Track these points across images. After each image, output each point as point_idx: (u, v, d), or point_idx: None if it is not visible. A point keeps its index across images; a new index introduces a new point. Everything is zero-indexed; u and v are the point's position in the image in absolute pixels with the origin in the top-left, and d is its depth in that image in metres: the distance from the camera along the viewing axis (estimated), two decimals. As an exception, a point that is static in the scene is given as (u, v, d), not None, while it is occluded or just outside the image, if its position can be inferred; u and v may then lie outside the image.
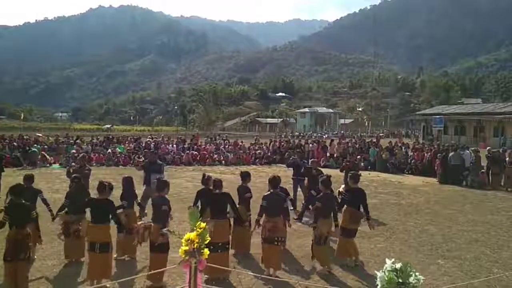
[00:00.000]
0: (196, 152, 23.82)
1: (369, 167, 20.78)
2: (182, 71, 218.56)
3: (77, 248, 6.75)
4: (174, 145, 24.97)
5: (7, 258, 5.35)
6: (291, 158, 11.60)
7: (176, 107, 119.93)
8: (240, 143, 26.70)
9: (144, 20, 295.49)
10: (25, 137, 24.94)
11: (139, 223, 6.24)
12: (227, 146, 25.89)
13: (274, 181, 6.61)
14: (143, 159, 11.42)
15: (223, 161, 23.15)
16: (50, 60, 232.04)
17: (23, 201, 5.73)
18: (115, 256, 6.58)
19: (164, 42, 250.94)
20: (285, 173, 13.13)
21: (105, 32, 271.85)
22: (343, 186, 8.53)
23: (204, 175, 7.60)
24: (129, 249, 6.85)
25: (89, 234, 6.02)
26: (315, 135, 60.94)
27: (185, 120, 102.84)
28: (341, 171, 12.27)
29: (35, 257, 6.76)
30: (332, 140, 26.11)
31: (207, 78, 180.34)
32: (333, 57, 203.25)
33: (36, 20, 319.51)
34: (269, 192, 6.56)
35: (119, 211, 6.75)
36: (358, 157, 19.61)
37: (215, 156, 23.61)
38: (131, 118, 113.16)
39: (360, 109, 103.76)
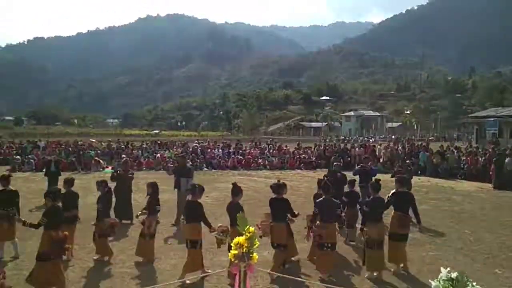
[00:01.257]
0: (241, 157, 24.08)
1: (419, 172, 20.10)
2: (227, 77, 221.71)
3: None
4: (220, 150, 25.39)
5: (43, 258, 5.64)
6: (335, 164, 11.28)
7: (221, 113, 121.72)
8: (285, 148, 26.68)
9: (190, 27, 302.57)
10: (79, 142, 26.23)
11: (218, 225, 6.43)
12: (271, 151, 25.96)
13: (327, 187, 6.59)
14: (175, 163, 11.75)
15: (268, 166, 23.23)
16: (102, 68, 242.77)
17: (59, 204, 6.11)
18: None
19: (209, 48, 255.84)
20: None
21: (153, 41, 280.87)
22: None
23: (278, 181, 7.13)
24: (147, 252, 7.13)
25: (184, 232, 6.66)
26: (361, 139, 59.74)
27: (229, 125, 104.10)
28: (392, 177, 11.96)
29: (72, 257, 7.12)
30: (379, 144, 25.54)
31: (251, 83, 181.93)
32: (378, 59, 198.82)
33: (88, 30, 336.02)
34: (322, 198, 6.53)
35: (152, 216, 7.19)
36: (408, 161, 19.02)
37: (260, 160, 23.74)
38: (178, 123, 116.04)
39: (408, 112, 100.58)
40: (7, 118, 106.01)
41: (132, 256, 7.25)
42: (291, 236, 6.89)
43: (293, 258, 7.01)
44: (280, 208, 6.57)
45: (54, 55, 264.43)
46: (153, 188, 7.52)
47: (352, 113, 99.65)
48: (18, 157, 22.24)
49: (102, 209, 7.37)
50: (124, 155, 22.45)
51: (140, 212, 7.47)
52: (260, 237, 6.49)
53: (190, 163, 22.49)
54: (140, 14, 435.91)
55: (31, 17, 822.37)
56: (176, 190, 10.41)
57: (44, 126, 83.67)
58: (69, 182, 7.65)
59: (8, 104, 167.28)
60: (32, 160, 21.37)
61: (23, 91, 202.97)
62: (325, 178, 8.01)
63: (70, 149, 23.88)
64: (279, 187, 6.68)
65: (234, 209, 6.08)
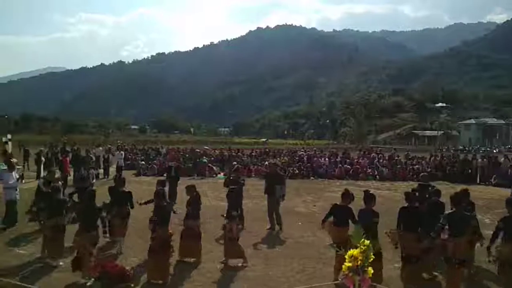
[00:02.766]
0: (348, 166, 23.52)
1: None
2: (334, 85, 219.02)
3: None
4: (327, 159, 25.11)
5: (152, 255, 6.49)
6: (421, 176, 10.32)
7: (327, 121, 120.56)
8: (396, 157, 25.41)
9: (298, 37, 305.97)
10: (196, 150, 28.09)
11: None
12: (381, 160, 24.91)
13: (457, 198, 6.19)
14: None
15: (377, 176, 22.35)
16: (216, 79, 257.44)
17: (165, 204, 7.05)
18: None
19: (316, 57, 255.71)
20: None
21: (263, 51, 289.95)
22: None
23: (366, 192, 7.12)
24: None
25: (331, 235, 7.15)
26: (483, 149, 54.38)
27: (336, 133, 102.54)
28: None
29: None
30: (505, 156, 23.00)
31: (358, 91, 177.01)
32: (503, 61, 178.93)
33: (203, 44, 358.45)
34: (452, 210, 6.17)
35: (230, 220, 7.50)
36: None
37: (369, 170, 22.94)
38: (284, 132, 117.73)
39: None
40: (133, 127, 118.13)
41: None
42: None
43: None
44: (412, 217, 6.44)
45: (174, 69, 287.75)
46: (231, 195, 8.01)
47: (472, 120, 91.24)
48: (142, 162, 24.60)
49: (191, 211, 7.84)
50: (235, 162, 23.56)
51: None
52: (396, 247, 6.48)
53: (297, 171, 22.82)
54: (251, 27, 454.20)
55: (153, 36, 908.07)
56: (266, 195, 10.67)
57: (164, 134, 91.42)
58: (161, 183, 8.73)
59: (134, 114, 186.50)
60: (154, 166, 23.46)
61: (146, 103, 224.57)
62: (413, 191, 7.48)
63: (187, 155, 25.70)
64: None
65: (366, 216, 6.33)
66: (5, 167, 11.18)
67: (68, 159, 17.99)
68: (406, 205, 6.55)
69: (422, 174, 10.92)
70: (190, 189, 8.13)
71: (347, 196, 7.13)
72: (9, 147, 17.65)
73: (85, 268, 6.49)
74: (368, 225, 5.87)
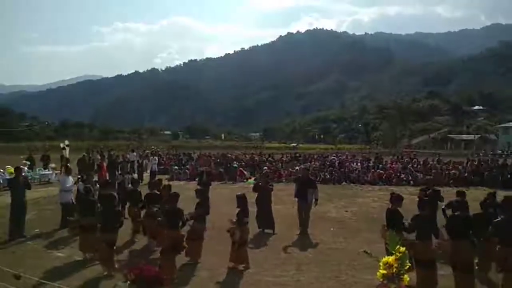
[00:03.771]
0: (381, 171, 23.09)
1: None
2: (366, 88, 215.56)
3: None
4: (359, 163, 24.77)
5: (165, 255, 6.86)
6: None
7: (359, 125, 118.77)
8: (431, 162, 24.76)
9: (329, 41, 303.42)
10: (228, 155, 28.32)
11: None
12: (415, 165, 24.32)
13: (509, 204, 6.05)
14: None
15: (411, 181, 21.80)
16: (246, 85, 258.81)
17: (177, 208, 7.36)
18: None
19: (347, 60, 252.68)
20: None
21: (293, 56, 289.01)
22: None
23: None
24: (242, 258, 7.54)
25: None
26: (523, 153, 52.16)
27: (368, 137, 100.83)
28: None
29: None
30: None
31: (392, 94, 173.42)
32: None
33: (234, 51, 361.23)
34: (502, 218, 6.02)
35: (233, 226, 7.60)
36: None
37: (403, 175, 22.42)
38: (315, 136, 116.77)
39: None
40: (166, 132, 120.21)
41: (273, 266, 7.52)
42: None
43: None
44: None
45: (206, 75, 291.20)
46: (242, 201, 7.99)
47: (511, 124, 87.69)
48: (176, 167, 25.02)
49: (198, 214, 8.17)
50: (265, 167, 23.59)
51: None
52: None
53: (329, 176, 22.61)
54: (281, 32, 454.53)
55: (185, 43, 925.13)
56: (296, 199, 10.65)
57: (196, 140, 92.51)
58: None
59: (167, 120, 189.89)
60: (187, 171, 23.81)
61: (179, 109, 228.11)
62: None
63: (218, 160, 25.95)
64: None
65: (393, 214, 6.86)
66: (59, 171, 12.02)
67: (105, 164, 18.58)
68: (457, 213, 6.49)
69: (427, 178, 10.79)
70: (197, 192, 8.71)
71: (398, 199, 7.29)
72: (67, 152, 18.61)
73: (108, 264, 7.11)
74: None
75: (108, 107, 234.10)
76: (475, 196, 8.97)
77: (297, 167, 23.86)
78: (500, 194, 8.34)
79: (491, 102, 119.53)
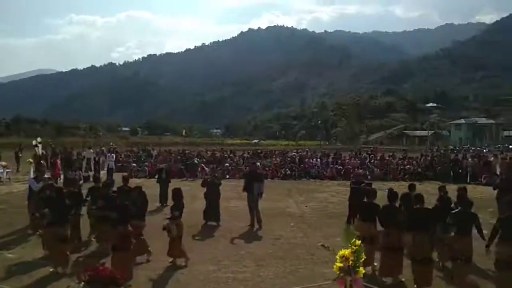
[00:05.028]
0: (340, 167, 23.58)
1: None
2: (325, 86, 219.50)
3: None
4: (318, 159, 25.15)
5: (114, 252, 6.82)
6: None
7: (319, 122, 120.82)
8: (387, 158, 25.53)
9: (289, 38, 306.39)
10: (186, 151, 27.98)
11: None
12: (372, 161, 24.99)
13: (463, 197, 6.34)
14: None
15: (369, 176, 22.40)
16: (207, 81, 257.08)
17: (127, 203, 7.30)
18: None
19: (307, 58, 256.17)
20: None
21: (254, 53, 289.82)
22: None
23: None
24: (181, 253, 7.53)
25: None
26: (473, 149, 54.85)
27: (327, 134, 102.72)
28: (494, 189, 10.72)
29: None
30: (495, 155, 23.21)
31: (350, 92, 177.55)
32: (493, 62, 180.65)
33: (195, 46, 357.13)
34: (458, 209, 6.30)
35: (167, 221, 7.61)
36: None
37: (360, 171, 22.97)
38: (277, 133, 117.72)
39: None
40: (124, 129, 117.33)
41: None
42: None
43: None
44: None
45: (165, 70, 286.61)
46: (176, 195, 7.98)
47: (462, 120, 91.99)
48: (134, 164, 24.45)
49: (137, 211, 7.91)
50: (227, 164, 23.53)
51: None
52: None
53: (289, 171, 22.87)
54: (242, 28, 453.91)
55: (144, 37, 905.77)
56: (246, 193, 10.87)
57: (155, 136, 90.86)
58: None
59: (125, 116, 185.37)
60: (146, 168, 23.33)
61: (138, 104, 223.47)
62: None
63: (178, 157, 25.59)
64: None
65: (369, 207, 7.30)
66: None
67: (58, 161, 17.88)
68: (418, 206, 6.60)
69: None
70: (135, 190, 8.56)
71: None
72: (39, 149, 17.99)
73: (59, 261, 7.02)
74: None
75: (63, 103, 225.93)
76: (428, 189, 9.31)
77: (258, 164, 23.95)
78: (452, 188, 8.71)
79: (444, 100, 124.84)
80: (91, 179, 19.49)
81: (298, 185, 20.02)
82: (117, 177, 12.75)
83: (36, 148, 18.26)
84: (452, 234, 6.32)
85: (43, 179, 10.09)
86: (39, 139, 19.01)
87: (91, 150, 23.41)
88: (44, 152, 21.61)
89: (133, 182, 11.57)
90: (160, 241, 8.78)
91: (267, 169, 23.33)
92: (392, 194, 7.16)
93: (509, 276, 5.65)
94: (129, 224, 7.06)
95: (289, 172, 22.86)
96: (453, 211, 6.42)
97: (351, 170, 22.78)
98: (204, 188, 11.35)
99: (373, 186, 9.51)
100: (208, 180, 11.63)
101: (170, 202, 13.29)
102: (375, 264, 6.95)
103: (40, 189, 9.01)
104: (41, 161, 13.06)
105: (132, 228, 7.32)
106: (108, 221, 7.64)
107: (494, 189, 10.63)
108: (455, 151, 41.03)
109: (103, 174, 20.21)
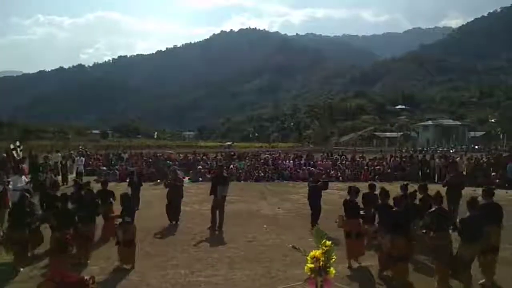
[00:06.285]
0: (312, 168, 23.80)
1: (507, 185, 18.54)
2: (297, 88, 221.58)
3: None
4: (291, 161, 25.32)
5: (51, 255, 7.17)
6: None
7: (292, 124, 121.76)
8: (358, 159, 25.97)
9: (261, 41, 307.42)
10: (158, 154, 27.63)
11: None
12: (344, 162, 25.37)
13: (438, 198, 6.87)
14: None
15: (340, 177, 22.75)
16: (179, 83, 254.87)
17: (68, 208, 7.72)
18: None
19: (279, 61, 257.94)
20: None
21: (227, 55, 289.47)
22: None
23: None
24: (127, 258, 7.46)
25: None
26: (440, 149, 56.53)
27: (300, 136, 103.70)
28: (444, 186, 11.12)
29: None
30: (461, 155, 23.97)
31: (322, 94, 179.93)
32: (458, 65, 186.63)
33: (166, 48, 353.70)
34: (434, 208, 6.62)
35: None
36: (493, 174, 17.67)
37: (332, 172, 23.30)
38: (250, 135, 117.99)
39: (493, 121, 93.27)
40: (94, 131, 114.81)
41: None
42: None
43: None
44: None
45: (136, 72, 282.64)
46: (122, 200, 7.96)
47: (430, 122, 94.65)
48: (104, 168, 23.94)
49: (83, 216, 8.04)
50: (200, 166, 23.38)
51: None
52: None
53: (262, 173, 22.93)
54: (215, 31, 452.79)
55: (114, 39, 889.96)
56: (212, 196, 10.90)
57: (126, 139, 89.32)
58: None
59: (95, 119, 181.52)
60: (116, 171, 22.88)
61: (108, 106, 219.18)
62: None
63: (150, 160, 25.23)
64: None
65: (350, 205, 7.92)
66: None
67: (25, 166, 17.30)
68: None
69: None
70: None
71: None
72: (19, 153, 17.85)
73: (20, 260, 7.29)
74: None
75: (30, 105, 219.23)
76: (398, 189, 9.54)
77: (231, 166, 23.92)
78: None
79: (412, 102, 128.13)
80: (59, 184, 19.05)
81: (271, 187, 20.10)
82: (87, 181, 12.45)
83: (14, 152, 17.93)
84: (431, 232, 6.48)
85: (2, 183, 10.20)
86: (17, 143, 18.72)
87: (59, 154, 22.79)
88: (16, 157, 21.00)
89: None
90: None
91: (240, 171, 23.34)
92: (384, 193, 7.83)
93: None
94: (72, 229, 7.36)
95: (262, 174, 22.93)
96: (430, 210, 6.62)
97: (323, 171, 23.10)
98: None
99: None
100: (169, 181, 11.95)
101: (142, 205, 13.21)
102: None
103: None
104: (20, 164, 13.05)
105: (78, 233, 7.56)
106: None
107: (444, 186, 11.00)
108: (423, 152, 42.20)
109: (71, 178, 19.72)
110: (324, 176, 20.30)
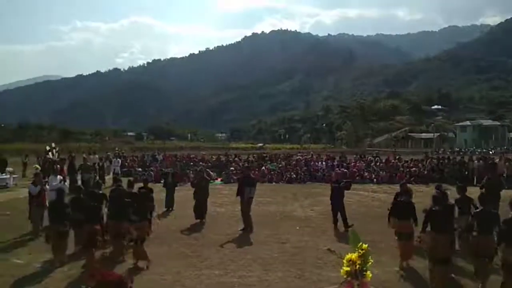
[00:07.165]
0: (345, 170, 23.47)
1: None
2: (329, 89, 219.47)
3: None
4: (324, 163, 25.07)
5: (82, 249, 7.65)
6: None
7: (323, 125, 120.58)
8: (393, 160, 25.42)
9: (293, 42, 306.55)
10: (191, 156, 28.02)
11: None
12: (378, 163, 24.89)
13: (483, 198, 6.47)
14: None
15: (375, 179, 22.34)
16: (212, 85, 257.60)
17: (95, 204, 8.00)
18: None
19: (311, 61, 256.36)
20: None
21: (258, 57, 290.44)
22: None
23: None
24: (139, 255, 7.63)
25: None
26: (479, 150, 54.60)
27: (332, 137, 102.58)
28: (481, 188, 10.70)
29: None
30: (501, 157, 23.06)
31: (354, 94, 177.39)
32: (498, 63, 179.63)
33: (199, 51, 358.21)
34: (480, 209, 6.46)
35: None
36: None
37: (366, 173, 22.93)
38: (281, 136, 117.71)
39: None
40: (129, 134, 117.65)
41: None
42: None
43: None
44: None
45: (169, 75, 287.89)
46: (136, 199, 8.36)
47: (468, 122, 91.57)
48: (139, 169, 24.51)
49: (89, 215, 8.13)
50: (232, 168, 23.55)
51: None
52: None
53: (294, 175, 22.82)
54: (246, 33, 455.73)
55: (148, 43, 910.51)
56: (239, 198, 10.97)
57: (160, 141, 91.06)
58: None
59: (130, 121, 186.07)
60: (151, 172, 23.36)
61: (142, 109, 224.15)
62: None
63: (184, 161, 25.63)
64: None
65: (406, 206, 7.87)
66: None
67: (64, 167, 17.98)
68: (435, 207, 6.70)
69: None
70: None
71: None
72: (55, 154, 18.96)
73: (58, 253, 7.62)
74: None
75: (69, 108, 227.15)
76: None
77: (263, 167, 23.95)
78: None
79: (449, 101, 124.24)
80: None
81: (303, 188, 19.97)
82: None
83: (50, 153, 18.73)
84: (475, 233, 6.33)
85: (40, 183, 10.47)
86: (53, 144, 19.55)
87: (96, 156, 23.52)
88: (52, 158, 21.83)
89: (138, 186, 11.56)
90: (164, 246, 8.82)
91: (272, 172, 23.33)
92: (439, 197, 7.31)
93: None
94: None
95: (294, 175, 22.82)
96: (475, 211, 6.54)
97: (357, 173, 22.76)
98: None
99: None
100: (195, 181, 12.55)
101: (176, 207, 13.44)
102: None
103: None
104: (55, 165, 13.72)
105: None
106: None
107: (481, 188, 10.62)
108: (461, 153, 40.89)
109: (108, 179, 20.32)
110: (348, 176, 20.01)
